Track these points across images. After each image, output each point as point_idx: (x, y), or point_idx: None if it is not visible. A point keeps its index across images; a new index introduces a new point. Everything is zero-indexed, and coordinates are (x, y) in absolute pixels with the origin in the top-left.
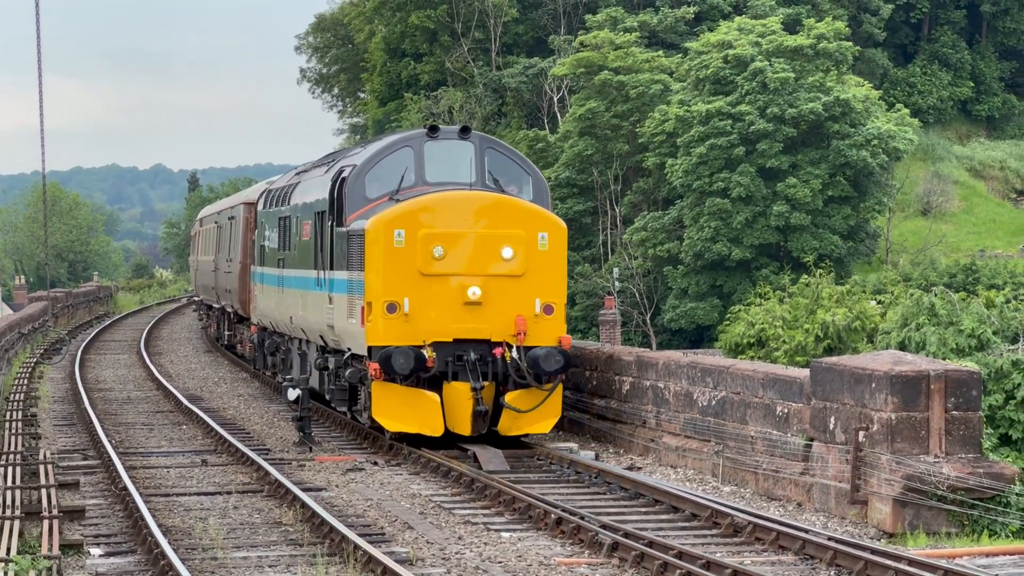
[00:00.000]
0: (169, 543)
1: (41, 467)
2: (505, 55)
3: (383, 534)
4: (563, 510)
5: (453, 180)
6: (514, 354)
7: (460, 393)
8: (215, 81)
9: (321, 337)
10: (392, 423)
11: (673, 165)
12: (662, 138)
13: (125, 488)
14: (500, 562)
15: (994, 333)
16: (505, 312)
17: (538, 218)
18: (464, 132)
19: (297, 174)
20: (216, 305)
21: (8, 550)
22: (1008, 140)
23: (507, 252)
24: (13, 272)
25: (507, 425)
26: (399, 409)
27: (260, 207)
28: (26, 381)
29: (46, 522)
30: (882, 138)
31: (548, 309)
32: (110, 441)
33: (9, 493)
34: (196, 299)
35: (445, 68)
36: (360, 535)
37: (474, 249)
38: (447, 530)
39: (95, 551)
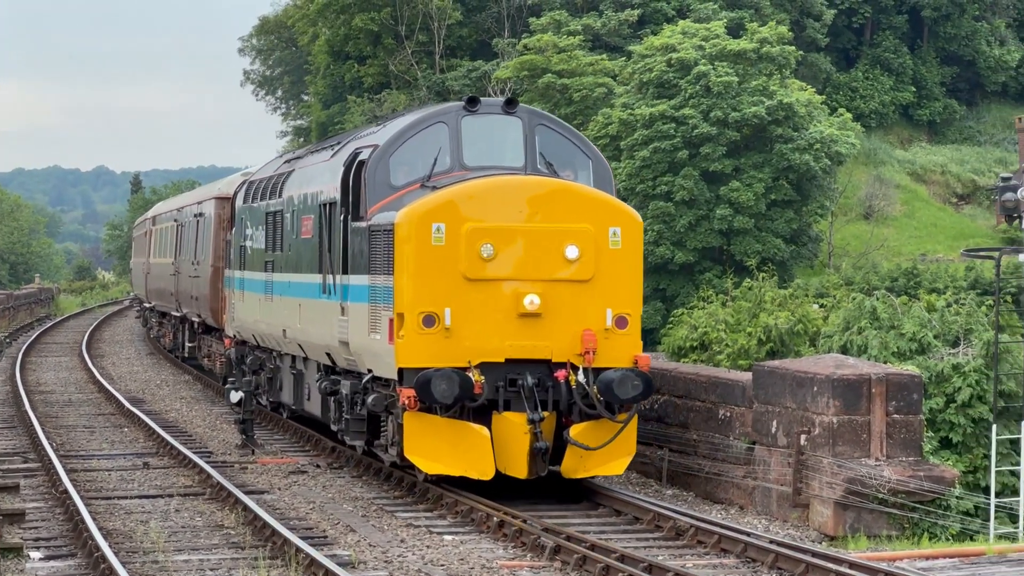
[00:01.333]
0: (110, 546)
1: None
2: (449, 58)
3: (325, 537)
4: (505, 513)
5: (497, 164)
6: (580, 377)
7: (514, 426)
8: (158, 82)
9: (328, 355)
10: (430, 463)
11: (616, 168)
12: (605, 141)
13: (66, 491)
14: (442, 565)
15: (935, 337)
16: (569, 325)
17: (609, 209)
18: (510, 105)
19: (287, 162)
20: (175, 313)
21: None
22: (949, 145)
23: (572, 251)
24: None
25: (572, 466)
26: (438, 446)
27: (240, 202)
28: None
29: None
30: (824, 142)
31: (621, 322)
32: (51, 444)
33: None
34: (147, 305)
35: (389, 71)
36: (302, 538)
37: (531, 248)
38: (389, 533)
39: (35, 555)
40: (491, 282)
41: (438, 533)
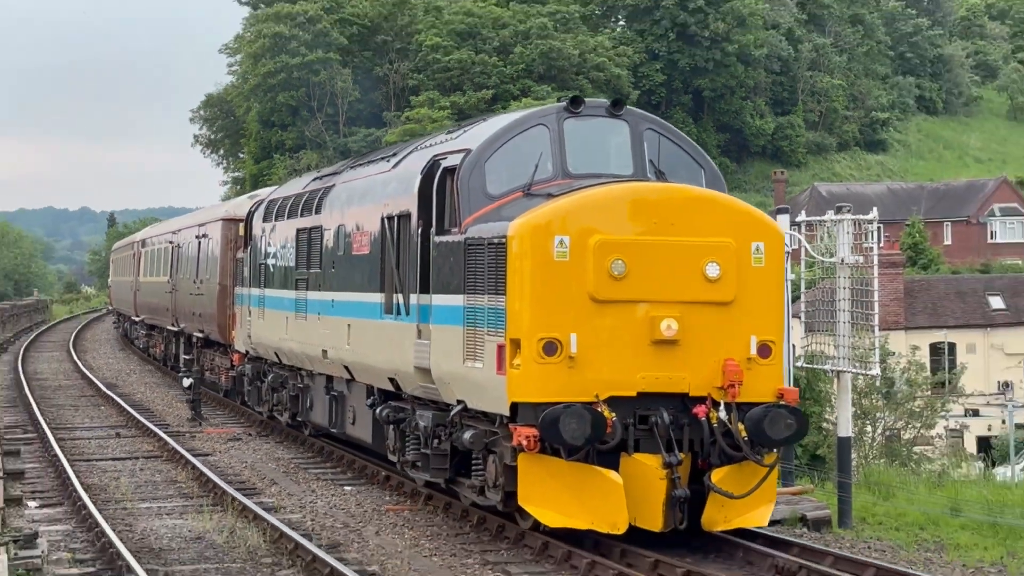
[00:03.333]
0: (89, 497)
1: None
2: (350, 126)
3: (255, 488)
4: (390, 471)
5: (602, 171)
6: (722, 414)
7: (648, 470)
8: (131, 141)
9: (392, 380)
10: (552, 515)
11: None
12: None
13: (56, 455)
14: (343, 509)
15: None
16: (709, 354)
17: (752, 222)
18: (616, 107)
19: (317, 179)
20: (172, 328)
21: None
22: None
23: (713, 270)
24: None
25: (713, 516)
26: (561, 495)
27: (259, 221)
28: None
29: None
30: None
31: (764, 350)
32: (44, 419)
33: None
34: (135, 319)
35: (304, 135)
36: (237, 489)
37: (667, 264)
38: (304, 485)
39: (32, 504)
40: (623, 304)
41: (340, 485)
